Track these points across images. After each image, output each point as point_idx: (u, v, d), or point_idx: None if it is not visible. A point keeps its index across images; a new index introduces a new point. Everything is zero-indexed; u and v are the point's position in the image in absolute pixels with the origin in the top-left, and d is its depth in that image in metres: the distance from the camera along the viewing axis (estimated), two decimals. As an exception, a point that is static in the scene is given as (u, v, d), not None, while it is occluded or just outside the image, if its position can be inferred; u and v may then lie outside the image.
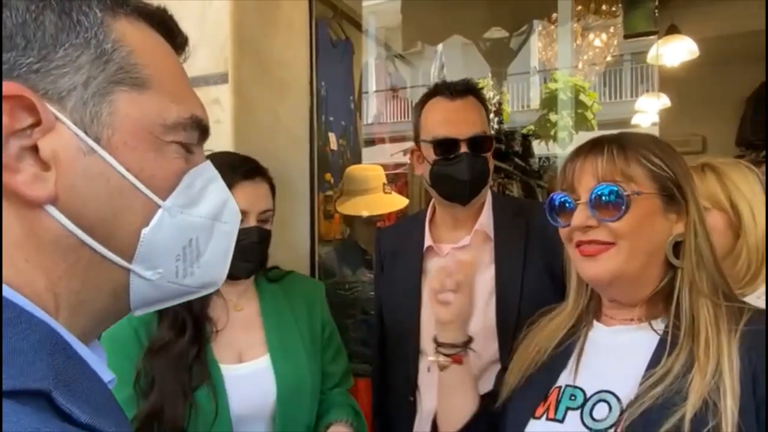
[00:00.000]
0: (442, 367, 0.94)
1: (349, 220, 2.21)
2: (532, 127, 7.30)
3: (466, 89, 1.26)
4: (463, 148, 1.21)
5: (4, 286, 0.36)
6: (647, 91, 5.73)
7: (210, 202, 0.47)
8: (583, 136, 7.82)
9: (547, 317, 0.94)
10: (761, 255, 1.15)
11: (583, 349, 0.86)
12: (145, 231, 0.42)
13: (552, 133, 7.45)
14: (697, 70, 4.72)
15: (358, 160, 2.67)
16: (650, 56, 4.14)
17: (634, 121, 6.74)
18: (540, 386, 0.87)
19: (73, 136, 0.38)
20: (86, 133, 0.39)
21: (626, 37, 3.26)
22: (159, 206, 0.42)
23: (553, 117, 7.59)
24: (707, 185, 1.17)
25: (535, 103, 8.36)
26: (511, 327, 1.13)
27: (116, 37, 0.41)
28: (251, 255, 1.05)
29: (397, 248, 1.35)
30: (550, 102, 7.66)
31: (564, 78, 7.52)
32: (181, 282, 0.45)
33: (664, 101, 5.72)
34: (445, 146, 1.22)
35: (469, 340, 0.96)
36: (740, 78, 5.82)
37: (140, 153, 0.41)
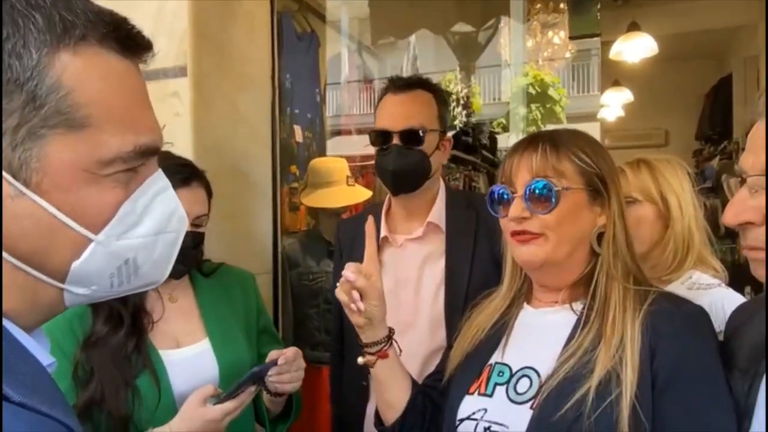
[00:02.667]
0: (371, 364, 0.97)
1: (314, 212, 2.24)
2: (503, 120, 7.43)
3: (412, 84, 1.30)
4: (395, 140, 1.25)
5: None
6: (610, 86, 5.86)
7: (155, 217, 0.48)
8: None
9: (488, 299, 1.01)
10: (686, 244, 1.23)
11: (512, 329, 0.93)
12: (75, 264, 0.44)
13: (521, 126, 7.58)
14: (658, 67, 4.88)
15: (324, 152, 2.70)
16: (612, 53, 4.25)
17: (600, 114, 6.93)
18: (475, 364, 0.94)
19: (2, 180, 0.40)
20: (15, 177, 0.40)
21: (571, 38, 3.37)
22: (91, 240, 0.44)
23: (522, 110, 7.73)
24: (641, 179, 1.25)
25: (506, 95, 8.49)
26: (458, 315, 1.18)
27: (53, 80, 0.41)
28: (185, 259, 1.08)
29: (355, 239, 1.39)
30: (519, 96, 7.80)
31: (533, 73, 7.66)
32: (115, 290, 0.48)
33: (627, 96, 5.90)
34: (380, 137, 1.28)
35: (390, 333, 0.99)
36: (699, 75, 6.06)
37: (73, 192, 0.42)
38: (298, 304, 2.12)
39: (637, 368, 0.76)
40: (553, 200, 0.84)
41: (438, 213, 1.32)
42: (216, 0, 1.63)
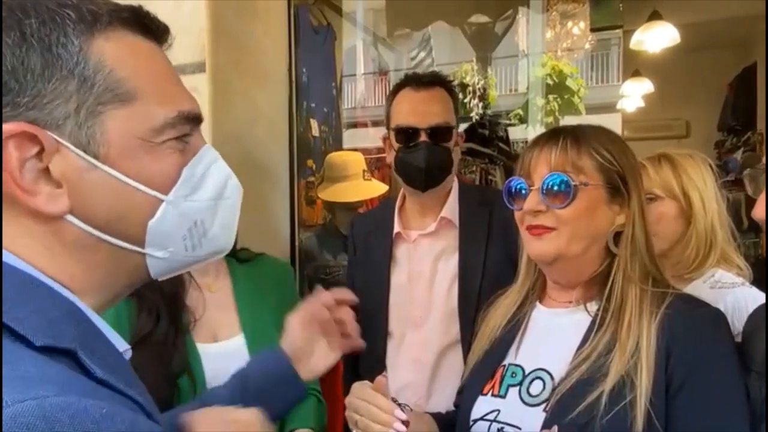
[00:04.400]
0: None
1: (331, 206, 2.25)
2: (520, 111, 7.34)
3: (432, 81, 1.30)
4: (423, 137, 1.25)
5: (41, 273, 0.45)
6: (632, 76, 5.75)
7: (212, 183, 0.52)
8: (569, 121, 7.88)
9: (502, 297, 1.01)
10: (709, 242, 1.21)
11: (525, 330, 0.93)
12: (151, 222, 0.48)
13: (539, 117, 7.49)
14: (679, 56, 4.78)
15: (340, 145, 2.70)
16: (632, 42, 4.17)
17: (620, 105, 6.80)
18: (490, 365, 0.94)
19: (75, 156, 0.45)
20: (85, 152, 0.45)
21: (592, 30, 3.30)
22: (162, 200, 0.49)
23: (539, 101, 7.63)
24: (662, 175, 1.23)
25: (523, 86, 8.39)
26: (471, 309, 1.19)
27: (96, 60, 0.45)
28: None
29: (370, 234, 1.40)
30: (536, 86, 7.69)
31: (552, 63, 7.55)
32: (191, 254, 0.53)
33: (648, 86, 5.78)
34: (406, 135, 1.27)
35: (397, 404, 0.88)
36: (721, 64, 5.90)
37: (137, 159, 0.47)
38: (314, 297, 2.13)
39: (652, 373, 0.75)
40: (570, 195, 0.83)
41: (451, 208, 1.32)
42: (233, -4, 1.63)
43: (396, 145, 1.29)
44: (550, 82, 7.65)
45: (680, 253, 1.22)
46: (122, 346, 0.49)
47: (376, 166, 3.25)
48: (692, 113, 6.69)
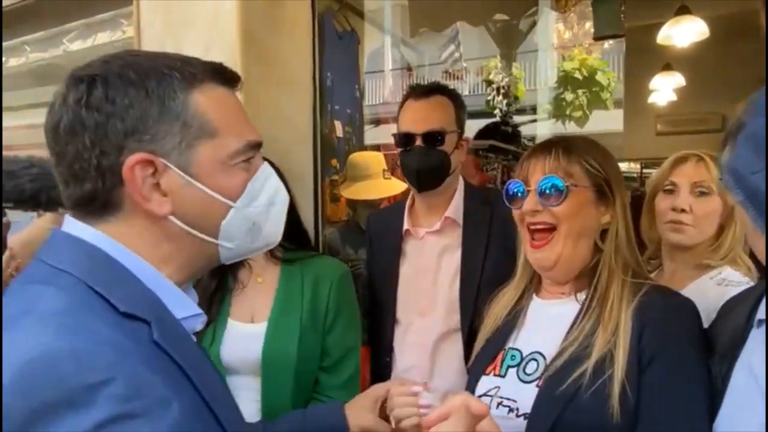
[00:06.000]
0: None
1: (353, 203, 2.38)
2: (548, 106, 7.29)
3: (432, 90, 1.43)
4: (418, 142, 1.37)
5: (142, 260, 0.64)
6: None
7: (267, 193, 0.71)
8: (598, 115, 7.75)
9: (501, 292, 1.13)
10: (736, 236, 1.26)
11: (524, 319, 1.06)
12: (223, 222, 0.67)
13: (567, 112, 7.43)
14: (710, 49, 4.68)
15: (362, 145, 2.82)
16: (660, 37, 4.13)
17: (651, 99, 6.67)
18: (492, 349, 1.06)
19: (177, 175, 0.63)
20: (184, 172, 0.64)
21: (595, 39, 3.31)
22: (231, 207, 0.67)
23: (568, 96, 7.56)
24: (715, 172, 1.27)
25: (552, 81, 8.30)
26: (471, 301, 1.30)
27: (193, 109, 0.64)
28: None
29: (382, 230, 1.53)
30: (565, 81, 7.62)
31: (580, 57, 7.46)
32: (250, 246, 0.72)
33: (678, 80, 5.68)
34: (402, 140, 1.40)
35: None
36: (757, 55, 5.70)
37: (216, 176, 0.65)
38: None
39: (628, 350, 0.86)
40: (563, 194, 0.95)
41: (455, 208, 1.43)
42: (263, 5, 1.77)
43: (398, 150, 1.43)
44: (578, 76, 7.56)
45: (705, 248, 1.28)
46: (194, 310, 0.68)
47: (398, 164, 3.35)
48: (727, 106, 6.50)
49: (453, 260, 1.40)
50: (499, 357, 1.03)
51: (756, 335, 0.76)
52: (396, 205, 1.63)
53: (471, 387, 1.04)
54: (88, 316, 0.55)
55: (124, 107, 0.60)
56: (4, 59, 4.54)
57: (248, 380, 1.23)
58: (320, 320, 1.27)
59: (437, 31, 3.71)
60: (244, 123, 0.69)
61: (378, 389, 1.01)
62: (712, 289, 1.23)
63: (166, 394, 0.53)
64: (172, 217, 0.64)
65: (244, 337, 1.24)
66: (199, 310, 0.68)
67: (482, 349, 1.09)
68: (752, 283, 1.25)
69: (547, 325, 1.00)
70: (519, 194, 1.01)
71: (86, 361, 0.50)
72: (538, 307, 1.05)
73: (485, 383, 1.02)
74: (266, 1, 1.78)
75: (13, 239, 1.39)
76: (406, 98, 1.45)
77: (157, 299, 0.63)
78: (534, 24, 4.12)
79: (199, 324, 0.69)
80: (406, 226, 1.47)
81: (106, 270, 0.60)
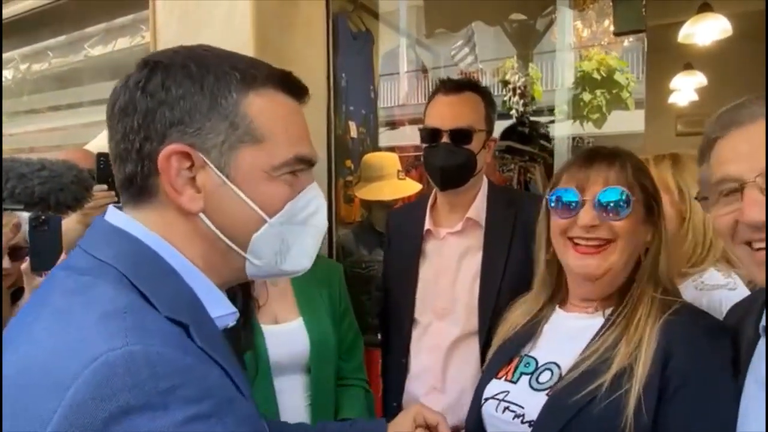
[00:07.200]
0: None
1: (367, 204, 2.36)
2: (566, 106, 7.18)
3: (461, 86, 1.38)
4: (444, 138, 1.33)
5: (178, 252, 0.61)
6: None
7: (306, 214, 0.66)
8: (617, 116, 7.61)
9: (519, 302, 1.11)
10: (708, 238, 1.19)
11: (543, 329, 1.02)
12: (255, 235, 0.63)
13: (585, 113, 7.32)
14: (733, 47, 4.56)
15: (377, 145, 2.81)
16: (681, 36, 4.04)
17: (671, 99, 6.54)
18: (507, 353, 1.04)
19: (214, 174, 0.61)
20: (221, 172, 0.61)
21: (615, 34, 3.24)
22: (266, 221, 0.63)
23: (586, 96, 7.44)
24: (660, 169, 1.23)
25: (569, 81, 8.18)
26: (490, 305, 1.27)
27: (244, 111, 0.61)
28: None
29: (403, 229, 1.51)
30: (583, 81, 7.50)
31: (599, 57, 7.35)
32: (276, 268, 0.67)
33: (700, 79, 5.55)
34: (429, 135, 1.36)
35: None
36: (782, 54, 5.56)
37: (256, 185, 0.62)
38: (351, 291, 2.25)
39: (648, 366, 0.82)
40: (629, 208, 0.90)
41: (478, 209, 1.40)
42: (276, 5, 1.76)
43: (423, 145, 1.39)
44: (597, 76, 7.44)
45: (677, 248, 1.20)
46: (228, 308, 0.65)
47: (413, 165, 3.34)
48: (752, 106, 6.34)
49: (474, 262, 1.37)
50: (514, 363, 1.01)
51: (762, 344, 0.74)
52: (417, 202, 1.60)
53: (480, 389, 1.02)
54: (148, 315, 0.54)
55: (176, 97, 0.59)
56: (27, 65, 4.64)
57: (295, 379, 1.30)
58: (337, 312, 1.40)
59: (453, 31, 3.69)
60: (297, 135, 0.65)
61: (419, 413, 0.95)
62: (691, 294, 1.16)
63: (230, 394, 0.54)
64: (202, 215, 0.61)
65: (286, 334, 1.30)
66: (234, 309, 0.66)
67: (496, 353, 1.07)
68: (738, 285, 1.17)
69: (567, 337, 0.97)
70: (573, 205, 0.93)
71: (159, 364, 0.49)
72: (560, 319, 1.02)
73: (495, 386, 1.00)
74: (281, 1, 1.78)
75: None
76: (435, 92, 1.41)
77: (194, 297, 0.61)
78: (551, 23, 4.05)
79: (231, 321, 0.67)
80: (427, 225, 1.44)
81: (149, 267, 0.59)
